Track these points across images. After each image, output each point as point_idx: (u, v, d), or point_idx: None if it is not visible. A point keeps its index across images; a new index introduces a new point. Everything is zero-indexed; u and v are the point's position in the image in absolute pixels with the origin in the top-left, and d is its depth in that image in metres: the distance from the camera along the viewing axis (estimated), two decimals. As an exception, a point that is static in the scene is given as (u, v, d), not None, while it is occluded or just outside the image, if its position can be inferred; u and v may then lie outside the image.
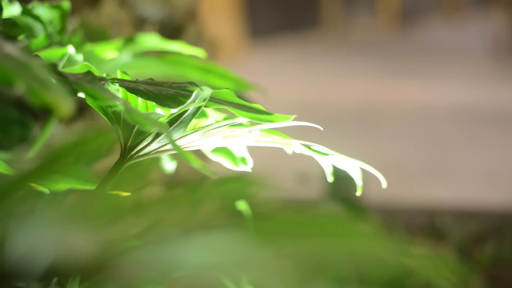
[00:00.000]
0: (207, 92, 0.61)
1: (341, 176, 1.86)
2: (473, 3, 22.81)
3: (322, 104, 7.00)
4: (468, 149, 4.79)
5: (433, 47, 13.21)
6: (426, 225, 2.57)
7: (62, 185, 0.87)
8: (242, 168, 0.80)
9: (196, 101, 0.62)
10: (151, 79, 0.68)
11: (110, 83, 0.65)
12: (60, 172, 0.81)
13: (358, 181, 0.75)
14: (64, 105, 0.44)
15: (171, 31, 1.55)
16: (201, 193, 0.58)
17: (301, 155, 0.78)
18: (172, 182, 1.41)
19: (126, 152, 0.65)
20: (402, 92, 7.66)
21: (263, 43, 13.27)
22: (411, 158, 4.56)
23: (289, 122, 0.66)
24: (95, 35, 1.23)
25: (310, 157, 0.89)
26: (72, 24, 1.32)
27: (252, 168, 0.83)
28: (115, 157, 0.77)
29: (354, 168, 0.75)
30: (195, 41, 1.59)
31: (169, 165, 0.89)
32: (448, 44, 13.83)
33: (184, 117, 0.63)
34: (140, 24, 1.46)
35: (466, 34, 16.57)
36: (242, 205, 0.74)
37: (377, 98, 7.30)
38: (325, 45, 14.00)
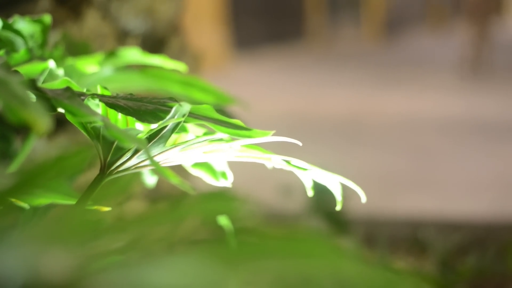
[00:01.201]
0: (186, 108, 0.61)
1: (323, 189, 1.87)
2: (457, 15, 22.96)
3: (307, 115, 7.01)
4: (452, 160, 4.81)
5: (418, 58, 13.27)
6: (409, 237, 2.58)
7: (43, 200, 0.87)
8: (222, 183, 0.80)
9: (176, 116, 0.62)
10: (131, 94, 0.68)
11: (90, 98, 0.65)
12: (41, 187, 0.81)
13: (338, 196, 0.75)
14: (42, 122, 0.44)
15: (154, 43, 1.55)
16: (183, 210, 0.58)
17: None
18: (155, 196, 1.41)
19: (106, 167, 0.65)
20: (386, 103, 7.69)
21: (248, 54, 13.29)
22: (395, 169, 4.58)
23: (269, 137, 0.66)
24: (78, 48, 1.23)
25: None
26: (54, 37, 1.32)
27: (235, 181, 0.84)
28: (97, 171, 0.77)
29: (333, 183, 0.76)
30: (178, 54, 1.60)
31: (150, 180, 0.90)
32: (432, 55, 13.90)
33: (164, 133, 0.63)
34: (123, 37, 1.46)
35: (450, 45, 16.66)
36: (223, 221, 0.74)
37: (361, 109, 7.33)
38: (310, 56, 14.03)
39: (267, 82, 10.27)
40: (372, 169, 4.61)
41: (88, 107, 0.56)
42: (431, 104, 7.51)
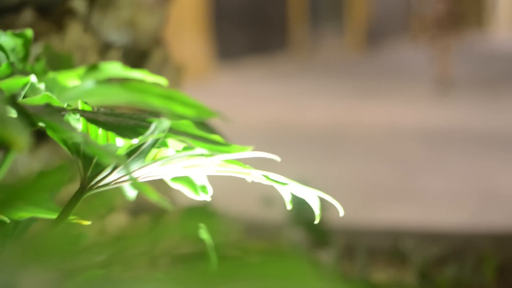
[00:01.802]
0: (166, 124, 0.62)
1: (304, 200, 1.87)
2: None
3: (289, 125, 7.03)
4: (433, 170, 4.84)
5: (398, 69, 13.34)
6: (389, 248, 2.59)
7: (24, 214, 0.87)
8: (202, 196, 0.80)
9: (156, 132, 0.62)
10: (111, 109, 0.69)
11: (70, 113, 0.66)
12: (22, 201, 0.81)
13: (316, 209, 0.76)
14: (21, 140, 0.44)
15: (136, 56, 1.55)
16: (163, 227, 0.59)
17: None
18: (136, 208, 1.41)
19: (86, 182, 0.65)
20: (367, 113, 7.72)
21: (231, 64, 13.30)
22: (375, 180, 4.60)
23: (247, 153, 0.67)
24: (59, 60, 1.23)
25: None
26: (36, 49, 1.32)
27: (216, 192, 0.84)
28: (78, 184, 0.77)
29: (311, 197, 0.76)
30: (161, 66, 1.60)
31: (130, 193, 0.90)
32: (412, 65, 13.97)
33: (144, 148, 0.63)
34: (105, 49, 1.46)
35: (430, 56, 16.74)
36: (204, 235, 0.75)
37: (343, 119, 7.35)
38: (293, 66, 14.06)
39: (250, 92, 10.29)
40: (353, 179, 4.63)
41: (68, 124, 0.56)
42: (410, 115, 7.55)
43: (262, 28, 14.50)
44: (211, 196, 0.81)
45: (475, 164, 5.01)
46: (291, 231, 2.19)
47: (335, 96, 9.36)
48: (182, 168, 0.67)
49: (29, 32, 0.91)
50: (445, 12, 10.44)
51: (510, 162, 5.05)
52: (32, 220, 0.93)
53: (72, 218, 0.92)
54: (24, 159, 1.26)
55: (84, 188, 0.66)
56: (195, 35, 12.02)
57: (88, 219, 0.85)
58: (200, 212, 1.77)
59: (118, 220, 1.40)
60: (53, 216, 0.92)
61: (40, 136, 1.30)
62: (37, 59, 1.11)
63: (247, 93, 10.12)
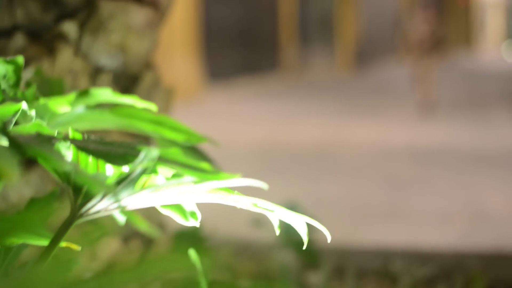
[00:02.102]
0: (155, 153, 0.62)
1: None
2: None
3: (281, 144, 7.04)
4: (421, 189, 4.85)
5: (388, 88, 13.40)
6: (379, 268, 2.59)
7: (15, 240, 0.87)
8: (192, 222, 0.81)
9: (145, 161, 0.63)
10: (101, 137, 0.69)
11: (61, 141, 0.66)
12: (14, 226, 0.81)
13: (304, 235, 0.76)
14: (11, 171, 0.45)
15: (127, 79, 1.56)
16: (153, 259, 0.59)
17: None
18: (127, 231, 1.41)
19: (76, 209, 0.66)
20: (357, 132, 7.74)
21: (223, 84, 13.33)
22: (366, 199, 4.60)
23: (235, 180, 0.67)
24: (50, 85, 1.23)
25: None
26: (28, 73, 1.32)
27: (207, 213, 0.84)
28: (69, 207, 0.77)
29: (299, 223, 0.77)
30: (151, 88, 1.61)
31: (121, 218, 0.90)
32: (401, 85, 14.04)
33: (133, 176, 0.64)
34: (95, 73, 1.47)
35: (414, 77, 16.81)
36: (194, 261, 0.75)
37: (333, 138, 7.37)
38: (284, 86, 14.10)
39: (241, 111, 10.31)
40: (343, 199, 4.63)
41: (58, 153, 0.56)
42: (398, 134, 7.57)
43: (253, 48, 14.54)
44: (202, 217, 0.82)
45: (463, 184, 5.02)
46: (281, 252, 2.19)
47: (325, 115, 9.38)
48: (171, 196, 0.67)
49: (20, 59, 0.92)
50: (428, 34, 10.26)
51: (497, 181, 5.07)
52: (23, 246, 0.93)
53: (63, 244, 0.92)
54: (15, 184, 1.26)
55: (74, 215, 0.66)
56: (186, 55, 12.04)
57: (79, 245, 0.86)
58: (190, 237, 1.78)
59: (109, 245, 1.40)
60: (44, 242, 0.92)
61: (31, 161, 1.30)
62: (28, 84, 1.11)
63: (238, 113, 10.13)
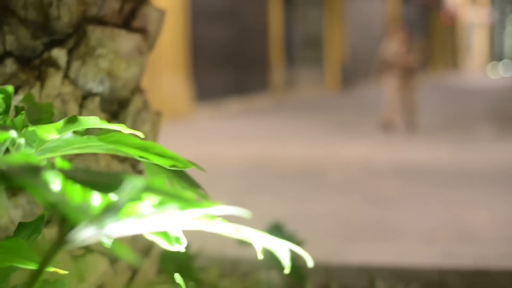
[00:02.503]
0: (140, 183, 0.64)
1: (281, 235, 1.89)
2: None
3: (270, 161, 7.05)
4: (407, 208, 4.87)
5: (373, 109, 13.45)
6: (364, 285, 2.60)
7: (3, 263, 0.88)
8: (176, 247, 0.82)
9: (130, 190, 0.64)
10: (88, 166, 0.70)
11: (50, 169, 0.67)
12: (3, 251, 0.82)
13: (286, 261, 0.77)
14: None
15: (115, 103, 1.57)
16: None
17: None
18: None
19: (63, 236, 0.67)
20: (344, 150, 7.77)
21: (213, 104, 13.35)
22: (352, 217, 4.62)
23: (217, 208, 0.69)
24: (40, 109, 1.24)
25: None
26: (17, 98, 1.34)
27: (195, 232, 0.85)
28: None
29: (281, 249, 0.78)
30: (140, 111, 1.62)
31: (107, 241, 0.91)
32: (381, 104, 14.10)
33: (118, 205, 0.65)
34: (84, 97, 1.48)
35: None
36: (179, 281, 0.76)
37: (321, 157, 7.39)
38: (273, 106, 14.14)
39: (231, 131, 10.33)
40: (330, 217, 4.65)
41: (45, 184, 0.58)
42: (383, 152, 7.60)
43: (242, 68, 14.59)
44: (189, 236, 0.83)
45: (447, 202, 5.04)
46: (267, 270, 2.20)
47: (312, 133, 9.40)
48: (156, 223, 0.68)
49: (9, 88, 0.93)
50: (401, 55, 9.83)
51: (478, 199, 5.10)
52: (11, 269, 0.94)
53: (50, 269, 0.93)
54: (3, 204, 1.27)
55: (61, 242, 0.67)
56: (175, 75, 12.06)
57: (66, 269, 0.87)
58: (177, 256, 1.79)
59: (97, 267, 1.41)
60: (31, 265, 0.93)
61: (20, 184, 1.31)
62: (18, 110, 1.13)
63: (228, 132, 10.15)
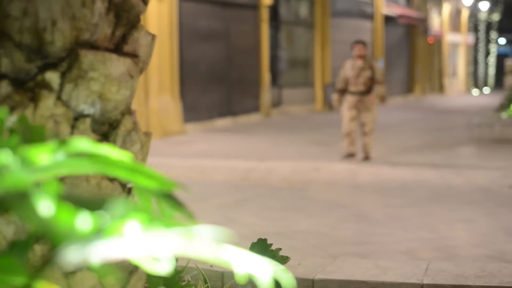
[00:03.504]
0: (126, 207, 0.64)
1: (266, 252, 1.89)
2: (398, 89, 23.68)
3: (258, 178, 7.05)
4: (391, 224, 4.88)
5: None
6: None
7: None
8: (162, 266, 0.82)
9: (116, 213, 0.65)
10: (76, 187, 0.71)
11: (40, 191, 0.68)
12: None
13: (266, 281, 0.77)
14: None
15: (106, 124, 1.57)
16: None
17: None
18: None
19: (51, 256, 0.67)
20: (330, 168, 7.78)
21: (204, 124, 13.36)
22: (337, 234, 4.62)
23: (203, 228, 0.69)
24: (33, 131, 1.25)
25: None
26: (12, 119, 1.34)
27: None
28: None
29: (264, 270, 0.78)
30: (130, 132, 1.62)
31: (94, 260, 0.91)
32: (379, 122, 14.15)
33: (103, 226, 0.66)
34: (75, 119, 1.48)
35: (391, 112, 17.00)
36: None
37: (308, 173, 7.39)
38: (263, 125, 14.16)
39: (220, 149, 10.33)
40: (315, 234, 4.65)
41: (33, 208, 0.58)
42: (372, 168, 7.62)
43: (231, 88, 14.62)
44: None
45: (428, 219, 5.05)
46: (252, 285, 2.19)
47: (300, 151, 9.41)
48: (141, 245, 0.69)
49: (3, 112, 0.93)
50: (359, 72, 8.49)
51: (456, 215, 5.11)
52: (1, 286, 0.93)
53: (41, 284, 0.93)
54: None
55: (49, 261, 0.68)
56: (165, 95, 12.08)
57: (57, 284, 0.87)
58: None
59: (86, 280, 1.41)
60: (22, 283, 0.93)
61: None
62: (12, 131, 1.13)
63: (216, 150, 10.16)
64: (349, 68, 8.69)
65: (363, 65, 8.67)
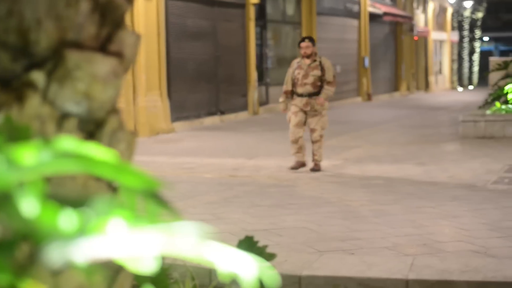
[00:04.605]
0: (110, 205, 0.64)
1: (252, 249, 1.90)
2: (384, 87, 23.75)
3: (245, 175, 7.05)
4: (377, 220, 4.89)
5: (353, 123, 13.54)
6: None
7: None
8: (146, 265, 0.82)
9: (99, 211, 0.65)
10: (60, 185, 0.71)
11: (23, 192, 0.68)
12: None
13: (250, 279, 0.77)
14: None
15: (92, 124, 1.57)
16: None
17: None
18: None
19: (34, 255, 0.67)
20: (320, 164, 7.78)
21: (191, 122, 13.34)
22: (324, 229, 4.63)
23: (186, 224, 0.69)
24: (19, 131, 1.24)
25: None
26: (-3, 119, 1.33)
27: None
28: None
29: (249, 265, 0.78)
30: (116, 131, 1.62)
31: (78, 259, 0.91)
32: (361, 119, 14.21)
33: (89, 226, 0.66)
34: (62, 118, 1.48)
35: (376, 110, 17.04)
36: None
37: (294, 172, 7.40)
38: (250, 124, 14.16)
39: (208, 147, 10.33)
40: (302, 230, 4.65)
41: (16, 209, 0.58)
42: (361, 164, 7.63)
43: (220, 86, 14.61)
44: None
45: (413, 215, 5.07)
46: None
47: (287, 149, 9.43)
48: (123, 243, 0.69)
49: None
50: (315, 83, 7.43)
51: (441, 211, 5.13)
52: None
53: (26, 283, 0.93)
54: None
55: (33, 260, 0.67)
56: (152, 93, 12.06)
57: (43, 283, 0.87)
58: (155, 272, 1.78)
59: (72, 278, 1.40)
60: (6, 282, 0.93)
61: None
62: (-3, 131, 1.13)
63: (205, 148, 10.15)
64: (296, 67, 7.64)
65: (311, 63, 7.60)
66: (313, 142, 7.53)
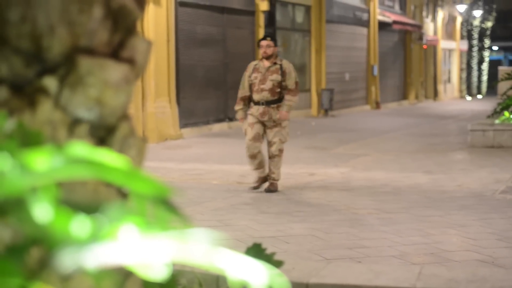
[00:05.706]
0: (122, 211, 0.64)
1: (260, 256, 1.89)
2: (392, 95, 23.67)
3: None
4: (384, 228, 4.88)
5: (361, 131, 13.52)
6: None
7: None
8: (156, 272, 0.82)
9: (111, 218, 0.65)
10: (72, 192, 0.71)
11: (36, 198, 0.68)
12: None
13: (258, 284, 0.78)
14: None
15: (103, 130, 1.57)
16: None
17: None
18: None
19: (46, 260, 0.68)
20: (323, 171, 7.78)
21: (200, 129, 13.34)
22: (332, 237, 4.62)
23: (196, 232, 0.69)
24: (31, 137, 1.25)
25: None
26: (10, 124, 1.34)
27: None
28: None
29: (258, 272, 0.78)
30: (127, 137, 1.62)
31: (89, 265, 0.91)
32: (364, 127, 14.19)
33: (100, 232, 0.66)
34: (73, 124, 1.49)
35: (385, 118, 17.02)
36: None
37: (301, 176, 7.39)
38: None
39: (215, 154, 10.33)
40: (310, 238, 4.65)
41: (29, 215, 0.58)
42: (369, 171, 7.62)
43: (230, 95, 14.62)
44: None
45: (421, 224, 5.05)
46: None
47: (294, 155, 9.40)
48: (134, 250, 0.69)
49: (1, 117, 0.94)
50: (274, 89, 6.47)
51: (449, 220, 5.11)
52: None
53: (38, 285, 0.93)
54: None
55: (44, 265, 0.68)
56: (164, 100, 12.08)
57: (54, 286, 0.87)
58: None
59: (82, 283, 1.40)
60: (20, 283, 0.93)
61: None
62: (9, 136, 1.13)
63: (214, 154, 10.15)
64: (253, 71, 6.59)
65: (270, 66, 6.56)
66: (270, 157, 6.60)
